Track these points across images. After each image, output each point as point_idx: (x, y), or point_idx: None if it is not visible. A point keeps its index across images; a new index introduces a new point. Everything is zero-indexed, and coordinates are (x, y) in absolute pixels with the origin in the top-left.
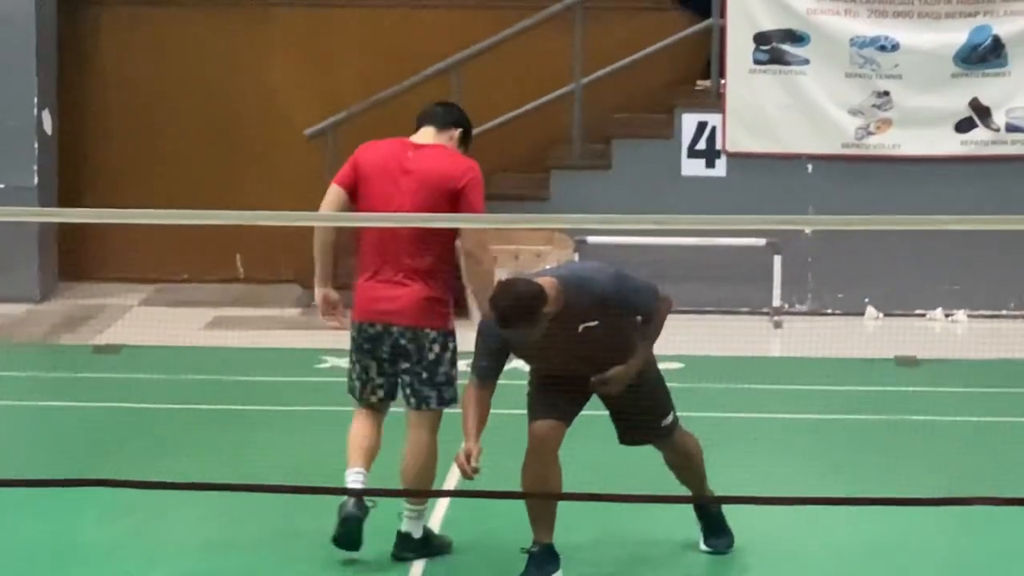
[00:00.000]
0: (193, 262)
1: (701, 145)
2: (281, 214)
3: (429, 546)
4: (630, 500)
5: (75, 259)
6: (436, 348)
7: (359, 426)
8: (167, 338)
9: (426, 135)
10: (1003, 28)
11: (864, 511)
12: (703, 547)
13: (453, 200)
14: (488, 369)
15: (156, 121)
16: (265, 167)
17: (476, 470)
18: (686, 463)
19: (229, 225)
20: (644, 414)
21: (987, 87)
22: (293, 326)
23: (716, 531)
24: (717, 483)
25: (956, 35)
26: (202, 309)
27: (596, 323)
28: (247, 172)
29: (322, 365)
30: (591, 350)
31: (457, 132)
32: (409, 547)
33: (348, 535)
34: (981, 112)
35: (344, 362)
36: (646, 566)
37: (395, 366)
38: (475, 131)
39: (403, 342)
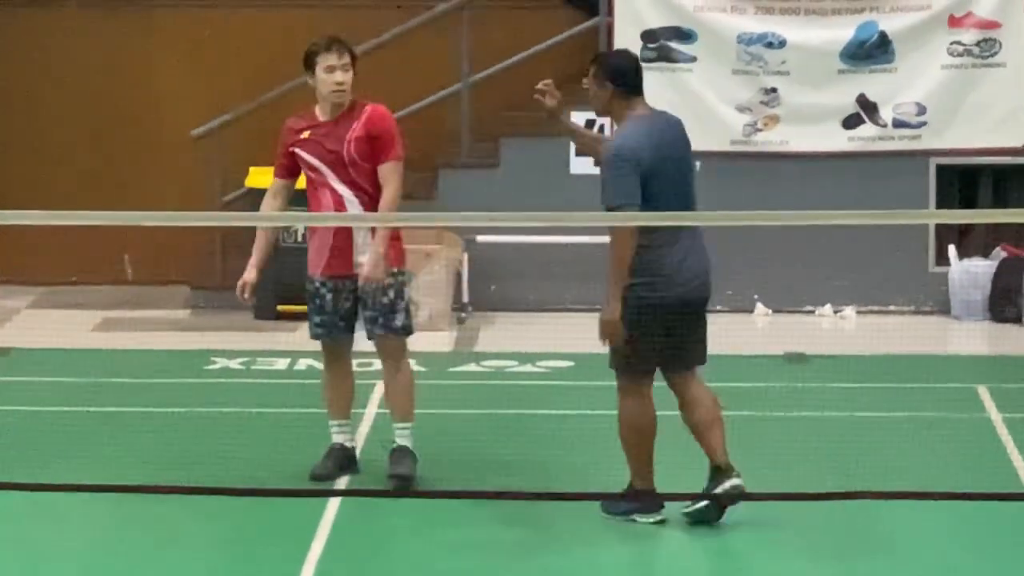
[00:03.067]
0: (81, 264)
1: None
2: (170, 214)
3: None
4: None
5: None
6: None
7: None
8: (56, 340)
9: None
10: (889, 24)
11: (752, 506)
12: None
13: None
14: None
15: (41, 123)
16: (152, 169)
17: None
18: (620, 427)
19: (117, 227)
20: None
21: (874, 83)
22: (182, 327)
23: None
24: (606, 483)
25: (843, 32)
26: (91, 311)
27: None
28: (134, 174)
29: (211, 366)
30: None
31: None
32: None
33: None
34: (868, 108)
35: (234, 363)
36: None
37: None
38: None
39: None
